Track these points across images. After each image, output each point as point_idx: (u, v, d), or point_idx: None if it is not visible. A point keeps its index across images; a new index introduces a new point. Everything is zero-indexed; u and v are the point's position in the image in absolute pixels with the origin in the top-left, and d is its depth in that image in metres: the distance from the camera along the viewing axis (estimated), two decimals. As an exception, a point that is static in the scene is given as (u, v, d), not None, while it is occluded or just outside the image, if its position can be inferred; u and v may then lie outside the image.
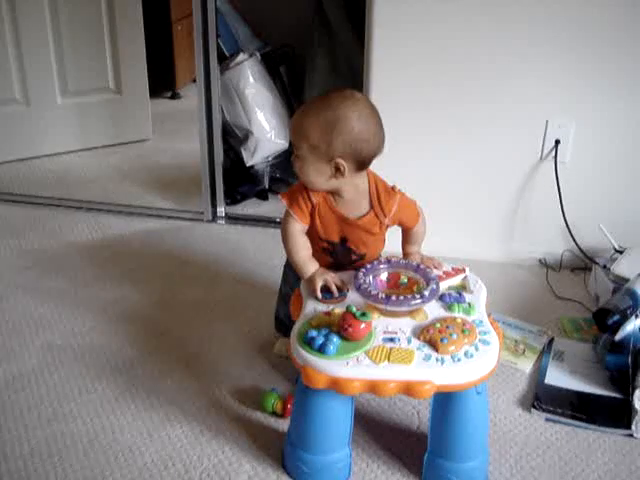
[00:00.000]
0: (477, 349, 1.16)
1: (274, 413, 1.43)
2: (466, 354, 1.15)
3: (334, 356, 1.13)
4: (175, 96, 3.81)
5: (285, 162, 2.44)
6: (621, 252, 1.88)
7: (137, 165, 2.88)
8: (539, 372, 1.59)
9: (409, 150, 2.00)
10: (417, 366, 1.13)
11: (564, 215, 1.97)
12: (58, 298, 1.87)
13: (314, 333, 1.17)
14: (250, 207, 2.49)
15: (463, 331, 1.18)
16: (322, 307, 1.27)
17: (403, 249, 1.46)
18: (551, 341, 1.70)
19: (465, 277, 1.38)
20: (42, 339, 1.69)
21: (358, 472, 1.31)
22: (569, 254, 2.05)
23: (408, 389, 1.12)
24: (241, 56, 2.47)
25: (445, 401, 1.21)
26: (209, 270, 2.04)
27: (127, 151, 3.03)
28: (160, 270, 2.04)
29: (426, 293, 1.23)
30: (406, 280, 1.31)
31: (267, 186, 2.54)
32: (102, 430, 1.40)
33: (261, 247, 2.18)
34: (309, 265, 1.35)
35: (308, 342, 1.16)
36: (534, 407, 1.48)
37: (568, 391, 1.53)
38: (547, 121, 1.93)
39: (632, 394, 1.44)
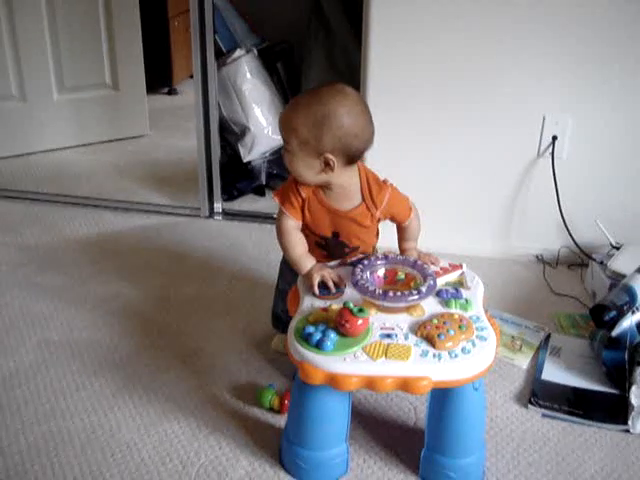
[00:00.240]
0: (474, 345, 1.16)
1: (271, 409, 1.43)
2: (463, 350, 1.15)
3: (331, 352, 1.13)
4: (172, 92, 3.80)
5: (282, 158, 2.44)
6: (618, 248, 1.89)
7: (134, 161, 2.88)
8: (536, 368, 1.60)
9: (406, 146, 2.00)
10: (414, 362, 1.13)
11: (561, 211, 1.97)
12: (55, 294, 1.86)
13: (311, 329, 1.17)
14: (247, 203, 2.49)
15: (460, 327, 1.18)
16: (319, 303, 1.27)
17: (400, 246, 1.46)
18: (548, 337, 1.71)
19: (462, 273, 1.38)
20: (39, 335, 1.69)
21: (355, 468, 1.31)
22: (566, 250, 2.05)
23: (405, 385, 1.12)
24: (238, 52, 2.47)
25: (442, 397, 1.21)
26: (206, 266, 2.04)
27: (124, 147, 3.02)
28: (157, 266, 2.03)
29: (423, 289, 1.23)
30: (403, 276, 1.31)
31: (264, 182, 2.54)
32: (99, 426, 1.40)
33: (258, 243, 2.17)
34: (306, 261, 1.35)
35: (305, 338, 1.16)
36: (531, 403, 1.48)
37: (565, 387, 1.53)
38: (544, 117, 1.93)
39: (629, 390, 1.45)
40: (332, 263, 1.38)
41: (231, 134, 2.53)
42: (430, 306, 1.26)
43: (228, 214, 2.39)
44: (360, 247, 1.41)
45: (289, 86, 2.65)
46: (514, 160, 2.00)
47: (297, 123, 1.26)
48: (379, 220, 1.39)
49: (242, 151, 2.49)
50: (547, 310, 1.83)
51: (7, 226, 2.26)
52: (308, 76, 2.49)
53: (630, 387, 1.45)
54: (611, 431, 1.41)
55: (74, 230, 2.25)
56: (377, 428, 1.41)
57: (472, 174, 2.02)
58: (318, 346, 1.14)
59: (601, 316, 1.57)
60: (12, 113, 2.81)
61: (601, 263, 1.86)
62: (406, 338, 1.18)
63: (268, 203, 2.45)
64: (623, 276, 1.71)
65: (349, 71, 2.31)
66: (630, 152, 1.94)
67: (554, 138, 1.94)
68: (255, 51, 2.52)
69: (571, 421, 1.44)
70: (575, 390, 1.52)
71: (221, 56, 2.44)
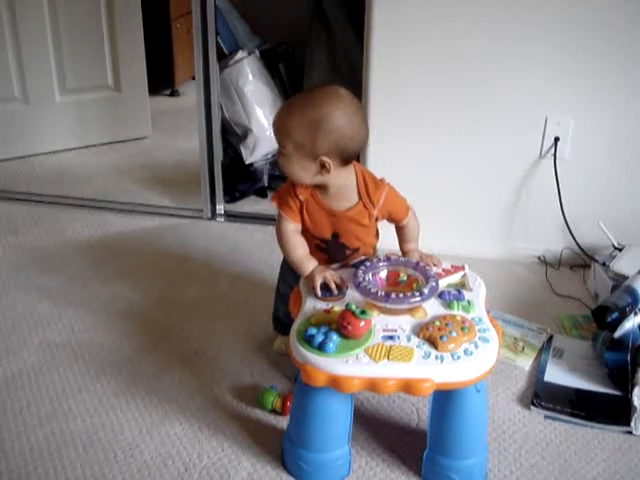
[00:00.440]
0: (476, 347, 1.16)
1: (273, 411, 1.43)
2: (465, 352, 1.15)
3: (334, 354, 1.13)
4: (174, 94, 3.80)
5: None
6: (620, 249, 1.88)
7: (136, 163, 2.88)
8: (538, 369, 1.59)
9: (408, 147, 2.00)
10: (416, 364, 1.13)
11: (563, 212, 1.97)
12: (57, 296, 1.87)
13: (313, 331, 1.17)
14: (249, 205, 2.49)
15: (462, 329, 1.18)
16: (321, 305, 1.27)
17: (401, 248, 1.46)
18: (550, 338, 1.70)
19: (464, 275, 1.38)
20: (41, 337, 1.69)
21: (358, 469, 1.31)
22: (568, 251, 2.05)
23: (407, 387, 1.12)
24: (240, 54, 2.47)
25: (444, 399, 1.21)
26: (208, 268, 2.04)
27: (126, 149, 3.02)
28: (159, 268, 2.03)
29: (425, 291, 1.23)
30: (405, 278, 1.31)
31: (266, 184, 2.54)
32: (101, 428, 1.40)
33: (260, 245, 2.17)
34: (307, 263, 1.35)
35: (307, 340, 1.16)
36: (533, 404, 1.48)
37: (567, 388, 1.53)
38: (546, 119, 1.93)
39: (631, 391, 1.44)
40: (334, 265, 1.38)
41: (233, 136, 2.53)
42: (432, 308, 1.26)
43: (230, 216, 2.39)
44: (360, 248, 1.41)
45: (291, 87, 2.65)
46: (516, 161, 2.00)
47: (292, 127, 1.26)
48: (377, 219, 1.39)
49: (244, 153, 2.49)
50: (549, 311, 1.83)
51: (9, 228, 2.26)
52: (310, 77, 2.49)
53: (633, 388, 1.45)
54: (614, 433, 1.41)
55: (76, 232, 2.25)
56: (379, 430, 1.41)
57: (474, 175, 2.02)
58: (320, 348, 1.14)
59: (603, 317, 1.57)
60: (14, 115, 2.81)
61: (603, 264, 1.86)
62: (408, 340, 1.17)
63: (270, 205, 2.41)
64: (626, 277, 1.71)
65: (351, 72, 2.31)
66: (632, 153, 1.94)
67: (556, 139, 1.93)
68: (257, 53, 2.52)
69: (574, 423, 1.43)
70: (578, 391, 1.52)
71: (223, 58, 2.44)
